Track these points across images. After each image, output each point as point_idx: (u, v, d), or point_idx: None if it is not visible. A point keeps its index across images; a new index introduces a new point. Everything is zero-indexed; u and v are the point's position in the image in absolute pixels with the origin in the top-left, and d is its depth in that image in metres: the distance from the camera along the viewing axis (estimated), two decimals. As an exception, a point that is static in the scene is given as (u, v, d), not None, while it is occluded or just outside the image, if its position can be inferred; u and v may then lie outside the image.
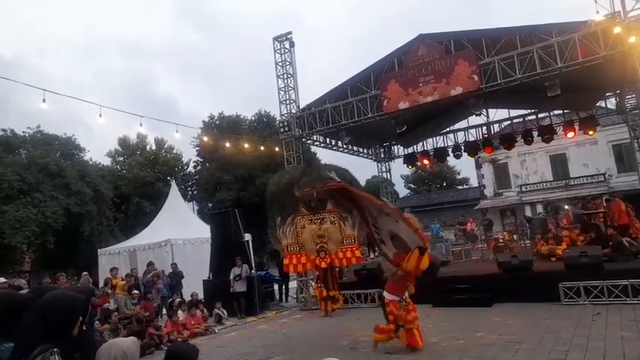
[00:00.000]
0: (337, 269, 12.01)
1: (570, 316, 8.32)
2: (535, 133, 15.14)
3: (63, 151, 29.71)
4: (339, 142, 15.21)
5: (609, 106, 14.63)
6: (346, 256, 11.46)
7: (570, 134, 14.46)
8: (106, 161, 39.02)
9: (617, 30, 8.97)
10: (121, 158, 40.29)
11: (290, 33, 13.69)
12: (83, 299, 2.07)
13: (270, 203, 12.10)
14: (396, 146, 18.50)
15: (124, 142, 40.86)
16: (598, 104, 14.64)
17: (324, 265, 11.18)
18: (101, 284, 13.03)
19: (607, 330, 7.15)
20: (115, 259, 16.26)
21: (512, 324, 8.13)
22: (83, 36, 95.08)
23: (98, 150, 57.50)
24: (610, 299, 8.99)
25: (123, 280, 11.57)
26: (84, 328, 2.15)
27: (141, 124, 12.16)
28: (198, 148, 39.99)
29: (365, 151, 17.93)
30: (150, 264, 13.22)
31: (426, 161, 17.37)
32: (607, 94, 13.91)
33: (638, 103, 12.63)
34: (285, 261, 11.85)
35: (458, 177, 53.00)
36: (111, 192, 30.06)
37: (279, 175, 12.68)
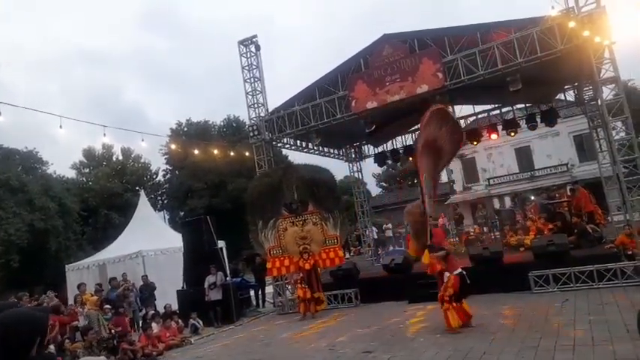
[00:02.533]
0: (320, 270, 12.03)
1: (541, 304, 8.56)
2: (500, 127, 15.51)
3: (24, 165, 28.71)
4: (310, 144, 15.19)
5: (568, 98, 15.11)
6: (329, 256, 11.53)
7: (533, 127, 14.88)
8: (71, 174, 37.93)
9: (571, 24, 9.28)
10: (87, 170, 39.20)
11: (255, 36, 13.59)
12: (42, 318, 1.97)
13: (250, 207, 12.02)
14: (366, 146, 18.62)
15: (89, 153, 39.75)
16: (558, 97, 15.10)
17: (307, 266, 11.20)
18: (70, 301, 12.63)
19: (576, 315, 7.39)
20: (83, 274, 15.75)
21: (485, 315, 8.29)
22: (47, 47, 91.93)
23: (63, 163, 55.73)
24: (577, 285, 9.30)
25: (93, 295, 11.22)
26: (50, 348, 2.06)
27: (104, 134, 11.83)
28: (167, 157, 39.28)
29: (335, 151, 17.97)
30: (113, 279, 12.89)
31: (395, 160, 17.56)
32: (566, 86, 14.35)
33: (595, 94, 13.10)
34: (269, 264, 11.79)
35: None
36: (77, 205, 29.20)
37: (257, 179, 12.63)
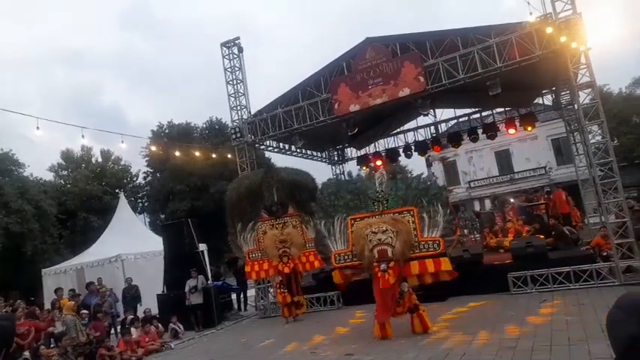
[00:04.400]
0: (299, 274, 11.97)
1: (519, 305, 8.69)
2: (480, 131, 15.75)
3: (0, 167, 27.98)
4: (293, 147, 15.18)
5: (546, 102, 15.43)
6: (309, 260, 11.45)
7: (512, 130, 15.14)
8: (49, 176, 37.09)
9: (549, 30, 9.47)
10: (65, 172, 38.39)
11: (238, 38, 13.53)
12: (7, 327, 1.91)
13: (229, 210, 11.88)
14: (348, 148, 18.70)
15: (67, 155, 38.96)
16: (536, 101, 15.41)
17: (287, 270, 11.10)
18: (47, 306, 12.35)
19: (553, 315, 7.52)
20: (61, 278, 15.42)
21: (466, 316, 8.38)
22: (24, 47, 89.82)
23: (40, 165, 54.48)
24: (555, 286, 9.47)
25: (70, 300, 10.99)
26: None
27: (83, 136, 11.61)
28: (147, 159, 38.75)
29: (318, 154, 17.99)
30: (90, 284, 12.65)
31: (378, 162, 17.65)
32: (544, 91, 14.66)
33: (572, 99, 13.39)
34: (247, 268, 11.66)
35: (410, 176, 54.21)
36: (54, 208, 28.55)
37: (237, 181, 12.48)
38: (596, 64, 9.54)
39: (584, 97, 9.82)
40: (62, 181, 37.33)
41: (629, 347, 1.00)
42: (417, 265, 7.61)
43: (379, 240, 7.52)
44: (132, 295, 13.10)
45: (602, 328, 6.19)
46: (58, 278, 15.51)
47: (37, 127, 10.20)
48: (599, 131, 10.03)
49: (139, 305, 12.96)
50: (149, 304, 12.60)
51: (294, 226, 11.43)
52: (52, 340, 9.71)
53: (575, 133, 14.72)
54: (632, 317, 1.02)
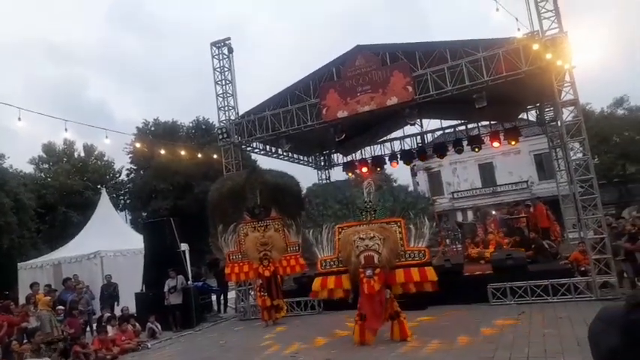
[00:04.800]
0: (280, 277, 11.92)
1: (498, 316, 8.79)
2: (465, 143, 15.96)
3: (-22, 158, 27.37)
4: (279, 150, 15.17)
5: (530, 118, 15.73)
6: (290, 264, 11.41)
7: (496, 144, 15.37)
8: (29, 169, 36.31)
9: (535, 47, 9.67)
10: (46, 165, 37.65)
11: (228, 39, 13.50)
12: None
13: (211, 210, 11.78)
14: (335, 154, 18.77)
15: (49, 148, 38.22)
16: (520, 116, 15.70)
17: (267, 273, 11.04)
18: (22, 301, 12.07)
19: (531, 328, 7.64)
20: (37, 273, 15.09)
21: (444, 326, 8.45)
22: (8, 37, 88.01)
23: (21, 157, 53.20)
24: (533, 299, 9.62)
25: (45, 295, 10.77)
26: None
27: (66, 129, 11.40)
28: (131, 155, 38.25)
29: (305, 158, 18.02)
30: (67, 279, 12.42)
31: (364, 169, 17.74)
32: (528, 106, 14.95)
33: (556, 115, 13.68)
34: (227, 270, 11.57)
35: (395, 184, 54.57)
36: (34, 202, 27.96)
37: (220, 182, 12.37)
38: (579, 82, 9.79)
39: (567, 114, 10.04)
40: (43, 174, 36.59)
41: (610, 358, 1.03)
42: (403, 273, 7.70)
43: (366, 246, 7.58)
44: (110, 293, 12.92)
45: (577, 341, 6.33)
46: (34, 273, 15.18)
47: (19, 119, 10.01)
48: (581, 148, 10.26)
49: (115, 304, 12.77)
50: (127, 302, 12.42)
51: (276, 229, 11.39)
52: (24, 335, 9.48)
53: (557, 149, 15.03)
54: (613, 329, 1.05)
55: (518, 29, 10.41)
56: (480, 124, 16.20)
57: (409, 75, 11.11)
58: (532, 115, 15.50)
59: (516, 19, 10.36)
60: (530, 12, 10.06)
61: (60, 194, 32.85)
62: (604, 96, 49.09)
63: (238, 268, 11.32)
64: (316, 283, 8.42)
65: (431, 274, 7.66)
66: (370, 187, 8.52)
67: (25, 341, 8.54)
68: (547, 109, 14.37)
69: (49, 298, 10.53)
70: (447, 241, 18.55)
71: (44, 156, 38.07)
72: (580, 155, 10.31)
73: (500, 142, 15.24)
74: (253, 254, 11.14)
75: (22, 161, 40.88)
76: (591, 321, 1.14)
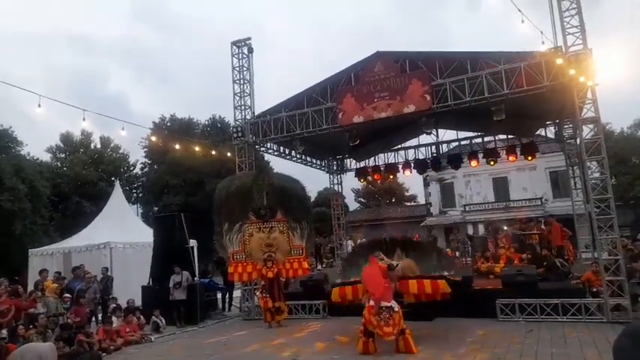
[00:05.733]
0: (283, 280, 11.89)
1: (505, 332, 8.64)
2: (480, 155, 15.78)
3: (-2, 143, 27.86)
4: (293, 152, 15.16)
5: (549, 134, 15.51)
6: (293, 267, 11.40)
7: (512, 158, 15.18)
8: (46, 157, 36.91)
9: (559, 61, 9.53)
10: (63, 155, 38.24)
11: (249, 39, 13.57)
12: None
13: (217, 208, 11.81)
14: (348, 159, 18.69)
15: (66, 138, 38.83)
16: (538, 132, 15.49)
17: (270, 274, 11.03)
18: (31, 287, 12.19)
19: (538, 346, 7.48)
20: (47, 260, 15.26)
21: (451, 339, 8.32)
22: (32, 26, 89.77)
23: (39, 145, 54.12)
24: (542, 317, 9.43)
25: (54, 282, 10.87)
26: None
27: (84, 119, 11.53)
28: (146, 150, 38.67)
29: (318, 162, 17.98)
30: (76, 268, 12.49)
31: (377, 176, 17.67)
32: (547, 122, 14.75)
33: (575, 133, 13.47)
34: (231, 269, 11.58)
35: (406, 194, 54.35)
36: (48, 189, 28.35)
37: (228, 180, 12.42)
38: (601, 101, 9.62)
39: (587, 132, 9.86)
40: (59, 163, 37.16)
41: None
42: (416, 284, 7.90)
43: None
44: (104, 285, 12.82)
45: (586, 363, 6.17)
46: (44, 260, 15.36)
47: (39, 105, 10.14)
48: (599, 168, 10.07)
49: (106, 297, 12.63)
50: (133, 294, 12.46)
51: (281, 231, 11.40)
52: (31, 321, 9.56)
53: (574, 167, 14.78)
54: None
55: (543, 42, 10.27)
56: (496, 138, 16.02)
57: (428, 84, 11.03)
58: (550, 132, 15.26)
59: (541, 32, 10.23)
60: (555, 27, 9.93)
61: (74, 184, 33.32)
62: (625, 116, 48.41)
63: (242, 268, 11.32)
64: (335, 294, 8.73)
65: (443, 286, 7.78)
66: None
67: (30, 327, 8.61)
68: (566, 126, 14.16)
69: (56, 285, 10.63)
70: (457, 253, 18.37)
71: (61, 145, 38.68)
72: (598, 174, 10.11)
73: (516, 157, 15.04)
74: (257, 255, 11.15)
75: (39, 149, 41.51)
76: (616, 338, 1.08)
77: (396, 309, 7.49)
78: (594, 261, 11.05)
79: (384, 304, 7.45)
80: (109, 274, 13.27)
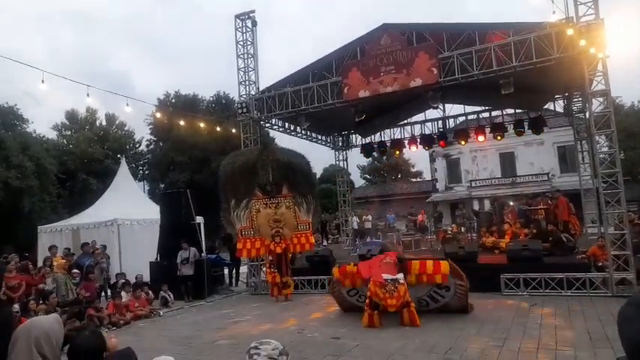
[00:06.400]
0: (290, 255, 12.00)
1: (509, 306, 8.71)
2: (487, 130, 15.60)
3: (4, 120, 27.90)
4: (298, 128, 15.07)
5: (557, 108, 15.26)
6: (300, 242, 11.49)
7: (520, 133, 15.00)
8: (52, 135, 37.00)
9: (570, 32, 9.29)
10: (68, 132, 38.29)
11: (253, 11, 13.32)
12: None
13: (223, 185, 11.84)
14: (354, 135, 18.55)
15: (71, 115, 38.81)
16: (547, 106, 15.25)
17: (279, 250, 11.14)
18: (40, 263, 12.36)
19: (542, 319, 7.53)
20: (56, 237, 15.45)
21: (455, 312, 8.38)
22: (33, 5, 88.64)
23: (45, 122, 54.15)
24: (546, 291, 9.48)
25: (63, 258, 11.02)
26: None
27: (88, 95, 11.47)
28: (151, 127, 38.61)
29: (323, 138, 17.88)
30: (85, 244, 12.60)
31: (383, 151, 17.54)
32: (556, 96, 14.50)
33: (584, 106, 13.26)
34: (239, 245, 11.69)
35: (412, 170, 54.14)
36: (55, 167, 28.51)
37: (233, 156, 12.41)
38: (611, 73, 9.40)
39: (596, 106, 9.69)
40: (65, 140, 37.26)
41: None
42: (418, 264, 7.93)
43: None
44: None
45: (590, 336, 6.22)
46: (53, 236, 15.54)
47: (42, 81, 10.07)
48: (607, 142, 9.93)
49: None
50: (142, 270, 12.64)
51: (288, 207, 11.43)
52: (41, 297, 9.74)
53: (582, 142, 14.60)
54: None
55: (554, 12, 9.99)
56: (504, 112, 15.81)
57: (435, 57, 10.83)
58: (559, 106, 15.04)
59: (552, 2, 9.94)
60: (567, -4, 9.65)
61: (81, 161, 33.47)
62: (635, 91, 47.56)
63: (250, 244, 11.42)
64: (335, 273, 8.71)
65: (444, 267, 7.78)
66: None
67: (40, 302, 8.77)
68: (575, 100, 13.93)
69: (64, 261, 10.77)
70: (463, 229, 18.38)
71: (67, 123, 38.70)
72: (606, 149, 9.97)
73: (523, 132, 14.87)
74: (266, 230, 11.22)
75: (45, 127, 41.58)
76: (621, 307, 1.06)
77: (402, 281, 7.55)
78: (600, 235, 11.02)
79: (390, 276, 7.51)
80: (106, 252, 13.28)
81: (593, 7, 9.29)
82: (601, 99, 9.61)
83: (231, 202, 11.61)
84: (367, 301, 7.81)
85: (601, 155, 9.86)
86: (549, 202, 14.04)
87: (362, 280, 8.21)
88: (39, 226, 17.07)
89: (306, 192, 11.74)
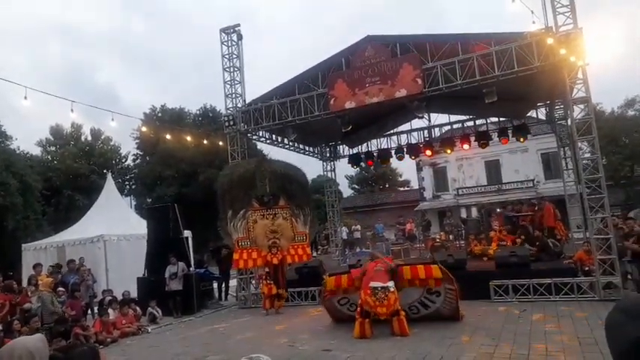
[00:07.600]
0: (287, 267, 11.97)
1: (499, 313, 8.75)
2: (472, 139, 15.78)
3: (-14, 138, 27.50)
4: (285, 139, 15.08)
5: (540, 116, 15.52)
6: (297, 253, 11.52)
7: (504, 141, 15.20)
8: (36, 151, 36.54)
9: (550, 41, 9.50)
10: (53, 148, 37.85)
11: (238, 25, 13.38)
12: None
13: (221, 196, 11.89)
14: (341, 146, 18.64)
15: (56, 131, 38.41)
16: (530, 114, 15.50)
17: (275, 261, 11.11)
18: (25, 282, 12.11)
19: (532, 325, 7.58)
20: (41, 255, 15.19)
21: (444, 321, 8.39)
22: (19, 20, 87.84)
23: (29, 139, 53.32)
24: (535, 297, 9.55)
25: (48, 276, 10.81)
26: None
27: (72, 110, 11.33)
28: (138, 141, 38.35)
29: (310, 149, 17.91)
30: (71, 262, 12.40)
31: (370, 162, 17.64)
32: (538, 104, 14.75)
33: (566, 113, 13.50)
34: (236, 256, 11.64)
35: (400, 179, 54.44)
36: (40, 184, 28.12)
37: (231, 168, 12.50)
38: (591, 80, 9.62)
39: (577, 112, 9.88)
40: (49, 156, 36.83)
41: (635, 350, 0.96)
42: (410, 270, 7.97)
43: None
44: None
45: (579, 341, 6.27)
46: (37, 254, 15.28)
47: (25, 97, 9.95)
48: (589, 148, 10.11)
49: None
50: (128, 286, 12.45)
51: (285, 218, 11.46)
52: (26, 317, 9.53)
53: (565, 148, 14.84)
54: (636, 320, 0.98)
55: (534, 22, 10.22)
56: (488, 120, 16.02)
57: (419, 67, 10.97)
58: (542, 113, 15.30)
59: (532, 12, 10.17)
60: (545, 7, 9.89)
61: (66, 177, 33.07)
62: (615, 96, 48.63)
63: (247, 255, 11.40)
64: (330, 283, 8.68)
65: (436, 271, 7.84)
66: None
67: (25, 324, 8.58)
68: (557, 107, 14.18)
69: (50, 279, 10.58)
70: (451, 236, 18.49)
71: (51, 139, 38.27)
72: (588, 154, 10.15)
73: (508, 139, 15.08)
74: (262, 242, 11.22)
75: (29, 143, 41.02)
76: (609, 313, 1.07)
77: (392, 289, 7.54)
78: (586, 240, 11.15)
79: (380, 284, 7.50)
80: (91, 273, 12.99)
81: (571, 16, 9.51)
82: (582, 106, 9.80)
83: (229, 212, 11.61)
84: (358, 309, 7.79)
85: (584, 161, 10.02)
86: (535, 208, 14.21)
87: (353, 286, 8.19)
88: (23, 244, 16.76)
89: (302, 203, 11.83)
